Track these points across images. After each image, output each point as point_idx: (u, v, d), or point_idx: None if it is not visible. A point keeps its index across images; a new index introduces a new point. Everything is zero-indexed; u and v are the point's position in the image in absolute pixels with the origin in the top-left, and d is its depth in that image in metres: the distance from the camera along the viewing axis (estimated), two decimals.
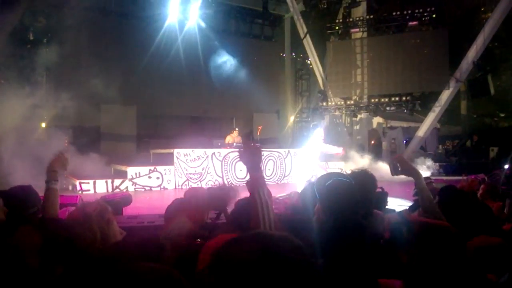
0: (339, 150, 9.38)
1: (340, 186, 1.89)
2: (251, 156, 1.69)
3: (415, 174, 2.29)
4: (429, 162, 13.94)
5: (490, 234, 2.04)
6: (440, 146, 20.52)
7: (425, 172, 11.31)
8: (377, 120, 18.58)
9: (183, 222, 1.66)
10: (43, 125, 11.75)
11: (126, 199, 5.39)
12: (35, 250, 1.26)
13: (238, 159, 1.80)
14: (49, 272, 1.23)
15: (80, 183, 9.33)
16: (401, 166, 2.30)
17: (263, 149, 11.54)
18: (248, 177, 1.68)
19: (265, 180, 1.70)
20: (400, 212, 3.24)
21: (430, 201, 2.28)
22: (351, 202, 1.81)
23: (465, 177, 4.53)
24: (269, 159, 11.52)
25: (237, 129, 12.35)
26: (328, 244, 1.64)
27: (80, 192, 9.02)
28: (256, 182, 1.63)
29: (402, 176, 2.38)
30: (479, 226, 2.36)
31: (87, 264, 1.21)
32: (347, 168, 12.15)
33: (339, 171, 12.32)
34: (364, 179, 2.34)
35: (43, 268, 1.23)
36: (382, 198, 4.72)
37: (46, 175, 2.14)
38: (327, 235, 1.68)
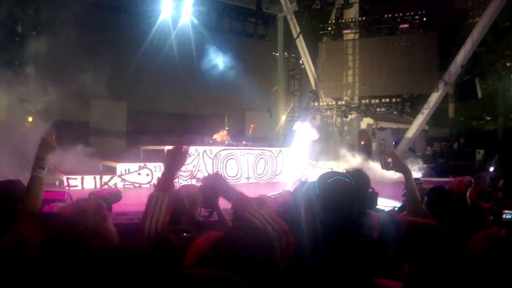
0: (314, 134, 9.37)
1: (341, 185, 1.92)
2: (216, 188, 1.69)
3: (405, 171, 2.30)
4: (420, 163, 14.12)
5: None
6: (428, 148, 20.80)
7: (416, 174, 11.45)
8: (367, 121, 18.76)
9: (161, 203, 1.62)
10: (30, 119, 11.55)
11: (115, 195, 5.31)
12: (37, 245, 1.24)
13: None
14: (51, 268, 1.22)
15: (67, 179, 9.21)
16: (393, 161, 2.31)
17: (254, 148, 11.58)
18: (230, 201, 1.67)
19: (245, 198, 1.67)
20: (388, 212, 3.27)
21: (418, 201, 2.30)
22: (351, 202, 1.84)
23: (452, 179, 4.59)
24: (261, 158, 11.53)
25: (227, 128, 12.37)
26: (325, 242, 1.66)
27: (67, 187, 8.90)
28: (238, 206, 1.62)
29: (391, 177, 2.41)
30: (469, 226, 2.40)
31: (92, 260, 1.21)
32: (339, 167, 12.24)
33: (329, 170, 12.33)
34: (358, 178, 2.36)
35: (45, 263, 1.23)
36: (372, 198, 4.77)
37: (33, 162, 1.95)
38: (324, 233, 1.70)
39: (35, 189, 1.88)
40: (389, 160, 2.35)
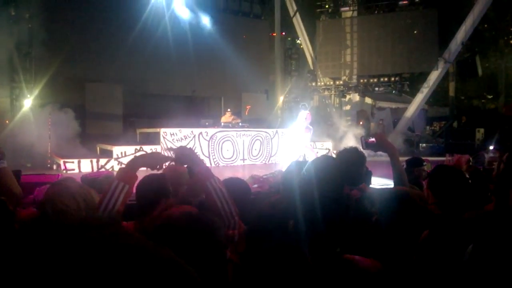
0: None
1: (322, 163, 1.91)
2: (186, 156, 1.78)
3: (390, 151, 2.25)
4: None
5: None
6: (428, 127, 20.70)
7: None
8: (365, 101, 18.61)
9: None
10: (27, 103, 11.48)
11: (108, 178, 5.31)
12: None
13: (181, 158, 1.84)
14: None
15: (64, 162, 9.20)
16: (378, 141, 2.27)
17: (250, 129, 11.53)
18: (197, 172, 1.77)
19: (210, 170, 1.80)
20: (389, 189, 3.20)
21: (405, 182, 2.26)
22: (331, 179, 1.84)
23: (450, 157, 4.53)
24: (256, 139, 11.47)
25: (229, 110, 12.36)
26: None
27: (64, 171, 8.91)
28: (203, 175, 1.72)
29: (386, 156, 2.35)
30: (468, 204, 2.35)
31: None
32: (336, 148, 12.20)
33: (326, 151, 12.34)
34: (352, 157, 2.33)
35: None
36: (366, 177, 4.73)
37: None
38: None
39: (4, 179, 1.96)
40: (371, 140, 2.31)
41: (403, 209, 1.69)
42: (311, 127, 9.67)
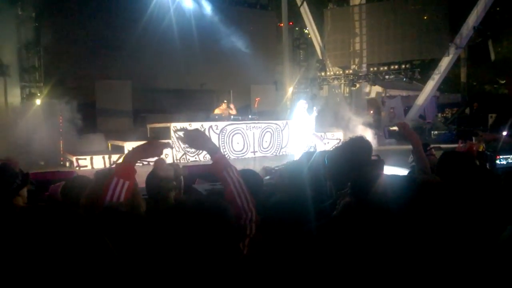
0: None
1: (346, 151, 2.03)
2: (199, 140, 1.67)
3: (413, 140, 2.27)
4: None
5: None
6: (439, 114, 20.41)
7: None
8: (376, 89, 18.40)
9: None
10: (38, 102, 11.62)
11: None
12: None
13: (194, 144, 1.74)
14: None
15: (77, 159, 9.32)
16: (403, 132, 2.29)
17: (260, 121, 11.49)
18: (211, 160, 1.65)
19: (227, 159, 1.69)
20: (400, 175, 3.20)
21: (428, 168, 2.27)
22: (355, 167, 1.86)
23: (461, 144, 4.47)
24: (267, 131, 11.44)
25: (225, 101, 12.29)
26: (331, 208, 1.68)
27: (77, 168, 9.01)
28: (220, 163, 1.61)
29: (398, 145, 2.37)
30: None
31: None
32: (346, 138, 12.09)
33: (337, 141, 12.25)
34: (360, 146, 2.33)
35: None
36: (378, 165, 4.69)
37: None
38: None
39: None
40: (393, 129, 2.35)
41: (417, 198, 1.67)
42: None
